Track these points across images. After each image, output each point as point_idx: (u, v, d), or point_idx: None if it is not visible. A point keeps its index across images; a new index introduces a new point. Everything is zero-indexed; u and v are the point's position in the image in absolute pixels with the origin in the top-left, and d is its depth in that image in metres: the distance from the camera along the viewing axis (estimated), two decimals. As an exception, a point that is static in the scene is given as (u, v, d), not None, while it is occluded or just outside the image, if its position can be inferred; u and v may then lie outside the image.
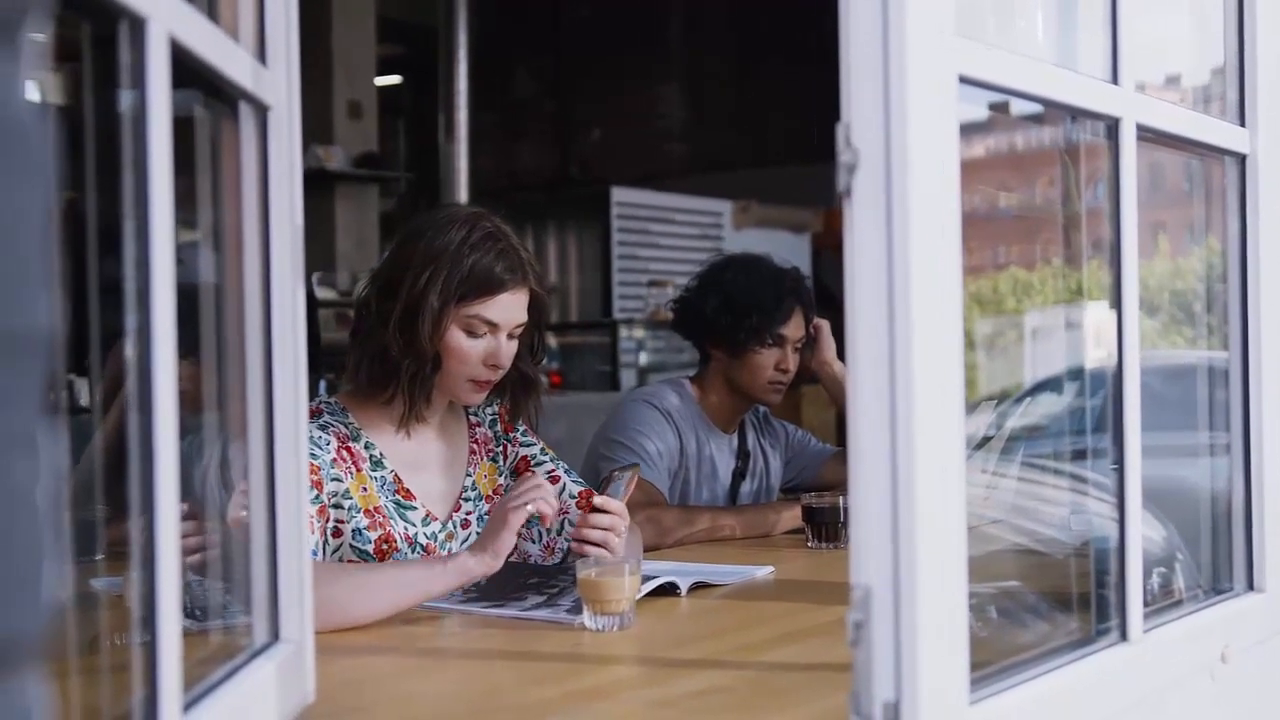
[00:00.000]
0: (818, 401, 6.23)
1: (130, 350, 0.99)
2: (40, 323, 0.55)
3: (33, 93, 0.58)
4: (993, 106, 1.44)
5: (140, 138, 0.98)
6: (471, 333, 2.20)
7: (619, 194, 7.95)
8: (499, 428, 2.43)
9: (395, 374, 2.20)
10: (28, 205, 0.55)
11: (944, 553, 1.18)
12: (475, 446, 2.39)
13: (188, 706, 1.06)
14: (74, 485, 1.75)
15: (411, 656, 1.80)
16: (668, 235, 8.05)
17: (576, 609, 1.91)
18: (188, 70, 1.09)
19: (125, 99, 0.98)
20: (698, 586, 2.19)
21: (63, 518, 0.59)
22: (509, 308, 2.21)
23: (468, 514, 2.34)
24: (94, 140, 1.04)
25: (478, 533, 2.30)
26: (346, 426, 2.23)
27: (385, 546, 2.18)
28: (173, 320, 1.00)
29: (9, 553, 0.53)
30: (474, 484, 2.37)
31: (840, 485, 2.98)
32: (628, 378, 7.23)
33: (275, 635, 1.36)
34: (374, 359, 2.21)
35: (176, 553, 1.00)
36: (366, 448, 2.24)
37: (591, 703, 1.56)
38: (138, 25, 0.97)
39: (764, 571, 2.36)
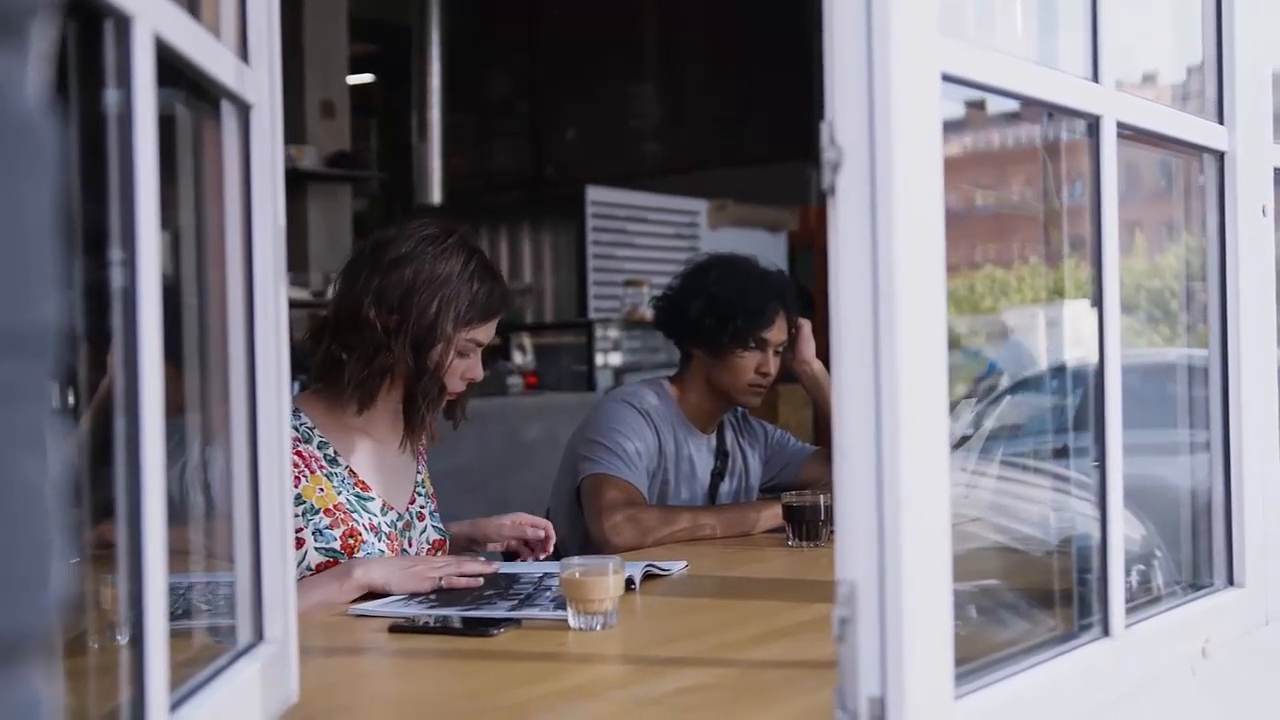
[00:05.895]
0: (793, 400, 6.24)
1: (115, 352, 0.98)
2: (48, 320, 0.55)
3: (39, 91, 0.58)
4: (968, 104, 1.45)
5: (125, 136, 0.97)
6: (463, 354, 2.28)
7: (594, 193, 7.93)
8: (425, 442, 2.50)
9: (377, 389, 2.25)
10: (36, 203, 0.55)
11: (929, 548, 1.19)
12: (421, 448, 2.46)
13: (174, 706, 1.05)
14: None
15: (395, 657, 1.80)
16: (643, 235, 8.04)
17: (560, 604, 1.91)
18: (170, 68, 1.08)
19: (110, 97, 0.97)
20: (648, 577, 2.23)
21: (68, 514, 0.59)
22: (494, 328, 2.32)
23: (421, 508, 2.40)
24: (76, 138, 1.03)
25: (433, 526, 2.41)
26: (298, 429, 2.24)
27: (351, 541, 2.22)
28: (159, 321, 0.99)
29: (18, 549, 0.53)
30: (423, 481, 2.44)
31: (819, 484, 2.98)
32: (604, 378, 7.22)
33: (259, 635, 1.35)
34: (382, 376, 2.25)
35: (163, 556, 0.99)
36: (320, 447, 2.26)
37: (577, 702, 1.56)
38: (123, 24, 0.96)
39: (679, 566, 2.37)
